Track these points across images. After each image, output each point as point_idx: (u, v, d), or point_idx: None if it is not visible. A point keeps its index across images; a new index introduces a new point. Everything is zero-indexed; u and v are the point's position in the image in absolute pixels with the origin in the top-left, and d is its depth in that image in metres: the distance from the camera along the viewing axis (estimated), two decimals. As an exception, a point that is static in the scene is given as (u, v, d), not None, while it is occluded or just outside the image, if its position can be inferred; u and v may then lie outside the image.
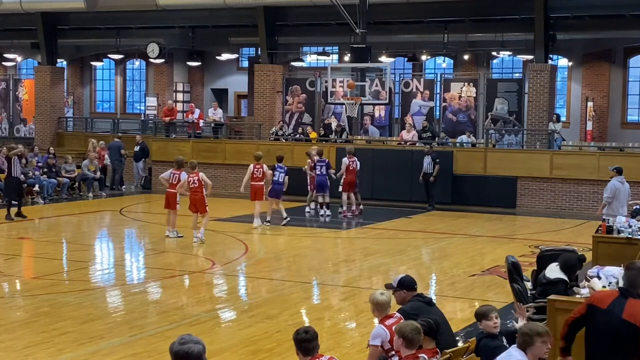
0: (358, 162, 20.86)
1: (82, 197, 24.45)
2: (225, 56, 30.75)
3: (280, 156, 19.99)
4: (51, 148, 25.57)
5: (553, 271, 9.24)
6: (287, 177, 19.23)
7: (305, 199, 21.54)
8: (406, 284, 7.64)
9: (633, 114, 28.01)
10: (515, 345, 5.88)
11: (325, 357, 5.82)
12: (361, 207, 21.25)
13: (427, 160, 21.83)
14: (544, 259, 10.09)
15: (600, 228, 12.16)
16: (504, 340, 6.65)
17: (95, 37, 30.13)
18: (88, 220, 20.68)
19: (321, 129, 26.34)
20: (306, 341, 5.75)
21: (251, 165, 18.84)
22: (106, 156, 25.71)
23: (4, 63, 34.42)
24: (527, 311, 8.63)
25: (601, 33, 24.86)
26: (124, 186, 26.61)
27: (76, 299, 11.73)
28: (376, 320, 7.33)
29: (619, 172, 15.04)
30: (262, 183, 18.81)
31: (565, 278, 9.09)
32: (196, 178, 16.56)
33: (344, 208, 20.87)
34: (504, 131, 24.70)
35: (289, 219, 18.94)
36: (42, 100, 29.83)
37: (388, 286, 7.89)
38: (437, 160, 21.78)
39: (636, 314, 6.05)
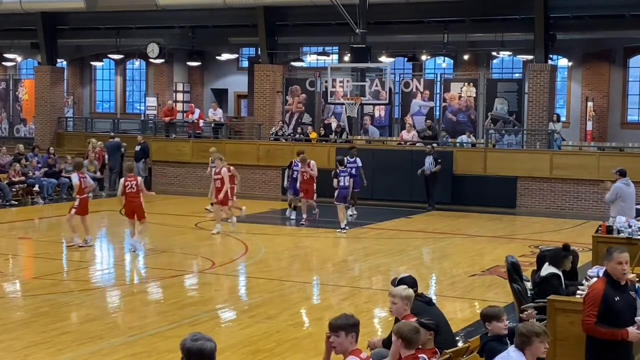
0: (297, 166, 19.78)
1: (82, 197, 24.39)
2: (225, 56, 30.75)
3: (340, 158, 19.15)
4: (51, 148, 25.56)
5: (545, 269, 9.25)
6: (352, 179, 18.69)
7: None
8: (405, 284, 7.63)
9: (633, 114, 28.01)
10: (513, 346, 5.89)
11: (364, 353, 5.78)
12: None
13: (428, 160, 21.86)
14: (543, 259, 10.07)
15: (600, 228, 12.16)
16: (508, 342, 6.62)
17: (95, 37, 30.11)
18: (88, 220, 20.63)
19: (321, 128, 26.34)
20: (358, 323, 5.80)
21: (225, 169, 18.07)
22: (106, 156, 25.72)
23: (4, 63, 34.41)
24: (527, 311, 8.65)
25: (601, 33, 24.85)
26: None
27: (76, 299, 11.74)
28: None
29: (621, 174, 14.81)
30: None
31: (557, 271, 9.07)
32: (134, 182, 15.69)
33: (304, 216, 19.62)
34: (504, 131, 24.70)
35: (346, 229, 18.28)
36: (42, 100, 29.82)
37: (393, 282, 7.91)
38: (439, 160, 21.83)
39: None
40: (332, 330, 5.72)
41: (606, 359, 6.58)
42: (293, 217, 20.13)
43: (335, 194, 18.37)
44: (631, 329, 6.48)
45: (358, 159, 20.94)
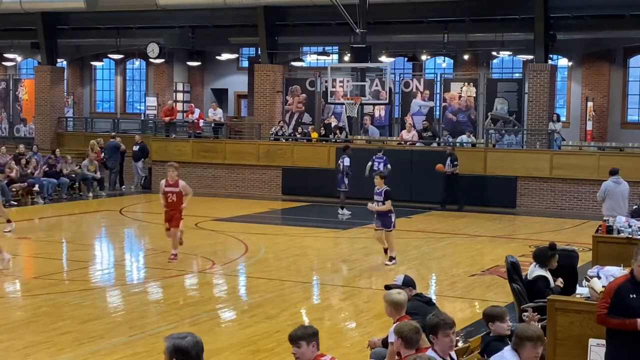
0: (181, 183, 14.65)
1: (82, 197, 24.45)
2: (225, 56, 30.75)
3: (383, 174, 15.42)
4: (57, 151, 25.47)
5: (531, 270, 9.25)
6: (385, 201, 14.50)
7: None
8: (409, 284, 7.64)
9: (633, 114, 28.01)
10: (509, 347, 5.90)
11: (327, 356, 5.81)
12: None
13: (448, 161, 21.97)
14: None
15: (600, 228, 12.16)
16: (510, 343, 6.62)
17: (95, 37, 30.12)
18: (88, 220, 20.68)
19: (322, 128, 26.34)
20: (318, 333, 5.80)
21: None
22: (102, 156, 25.73)
23: (4, 63, 34.43)
24: (527, 311, 8.65)
25: (601, 33, 24.86)
26: (123, 186, 26.63)
27: (76, 299, 11.73)
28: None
29: (611, 173, 15.21)
30: None
31: (544, 273, 9.06)
32: None
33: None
34: (504, 131, 24.70)
35: (395, 261, 14.55)
36: (42, 100, 29.82)
37: (388, 288, 7.88)
38: (456, 162, 21.89)
39: None
40: (292, 342, 5.76)
41: (622, 353, 6.61)
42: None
43: (392, 218, 14.63)
44: None
45: (347, 159, 20.98)
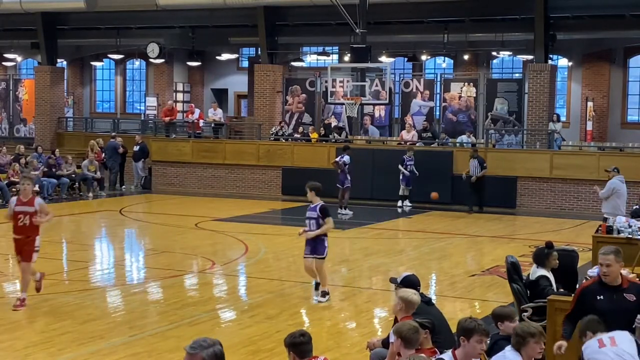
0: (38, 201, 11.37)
1: (82, 197, 24.46)
2: (225, 56, 30.76)
3: (313, 185, 12.39)
4: (57, 151, 25.47)
5: (533, 271, 9.25)
6: (325, 220, 11.85)
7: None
8: (409, 283, 7.63)
9: (633, 114, 28.01)
10: (510, 346, 5.92)
11: (320, 357, 5.81)
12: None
13: (473, 163, 21.85)
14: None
15: (600, 228, 12.16)
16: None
17: (95, 37, 30.12)
18: (88, 220, 20.68)
19: (322, 128, 26.34)
20: (305, 344, 5.72)
21: None
22: (103, 156, 25.75)
23: (4, 63, 34.42)
24: (527, 311, 8.66)
25: (601, 33, 24.86)
26: (123, 186, 26.63)
27: (76, 299, 11.74)
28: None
29: (618, 171, 15.21)
30: None
31: (545, 273, 9.05)
32: None
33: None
34: (504, 131, 24.70)
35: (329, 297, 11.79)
36: (42, 100, 29.82)
37: (392, 280, 7.90)
38: (485, 164, 21.85)
39: None
40: None
41: None
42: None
43: (325, 243, 12.02)
44: (559, 343, 6.57)
45: (347, 157, 21.04)
